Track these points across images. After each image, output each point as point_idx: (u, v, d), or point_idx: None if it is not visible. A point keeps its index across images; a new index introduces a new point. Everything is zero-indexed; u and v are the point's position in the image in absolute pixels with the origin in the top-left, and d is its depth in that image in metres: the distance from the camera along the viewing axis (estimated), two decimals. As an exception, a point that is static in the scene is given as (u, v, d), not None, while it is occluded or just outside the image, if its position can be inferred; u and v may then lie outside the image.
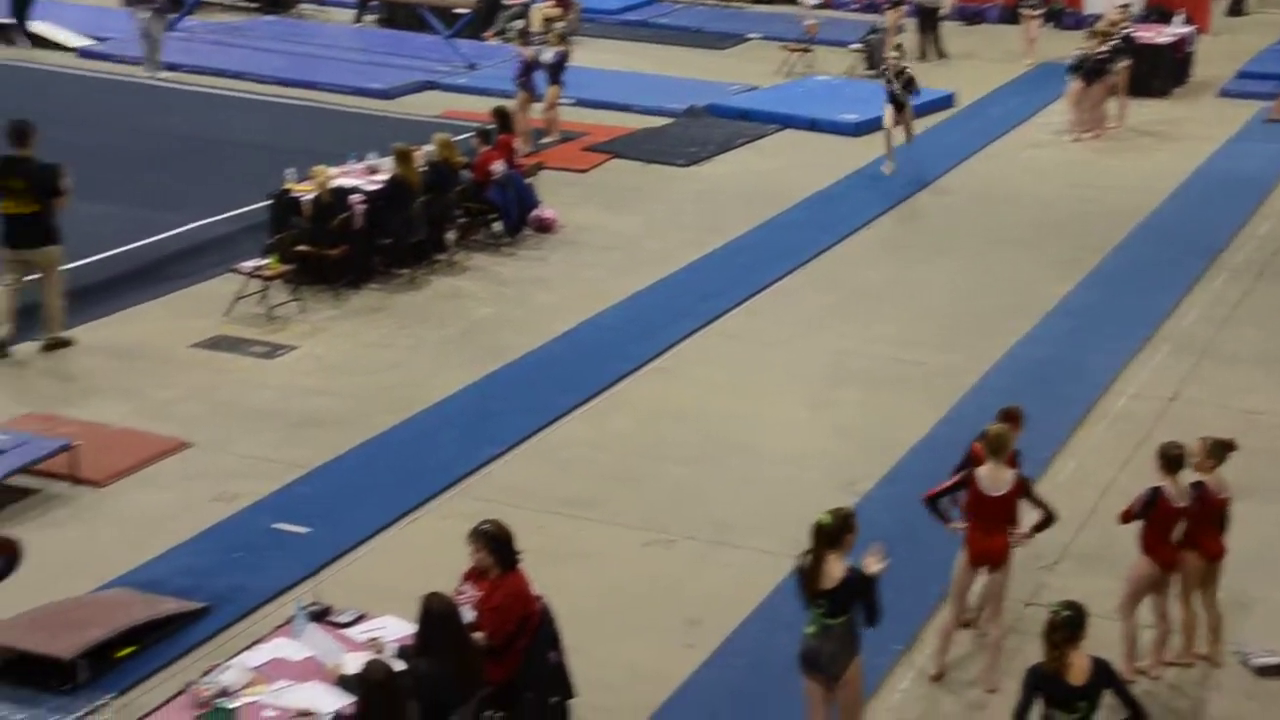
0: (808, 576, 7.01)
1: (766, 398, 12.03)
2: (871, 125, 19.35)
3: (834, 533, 7.00)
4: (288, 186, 14.26)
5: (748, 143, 19.53)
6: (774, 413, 11.77)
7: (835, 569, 6.99)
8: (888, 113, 17.89)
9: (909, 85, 17.90)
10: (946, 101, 21.75)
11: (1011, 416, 8.57)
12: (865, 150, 18.89)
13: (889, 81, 17.96)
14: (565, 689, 7.45)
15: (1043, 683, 6.54)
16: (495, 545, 7.27)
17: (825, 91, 21.95)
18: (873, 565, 7.05)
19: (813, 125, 20.23)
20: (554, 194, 16.24)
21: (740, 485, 10.55)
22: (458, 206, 14.98)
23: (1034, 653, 6.92)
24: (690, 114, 20.75)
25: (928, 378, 12.35)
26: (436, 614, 6.71)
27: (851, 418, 11.72)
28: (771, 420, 11.64)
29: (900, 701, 8.13)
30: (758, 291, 14.33)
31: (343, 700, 6.62)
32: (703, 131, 19.91)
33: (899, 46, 19.12)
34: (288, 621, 7.40)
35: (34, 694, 7.64)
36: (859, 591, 7.00)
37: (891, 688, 8.22)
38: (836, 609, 7.00)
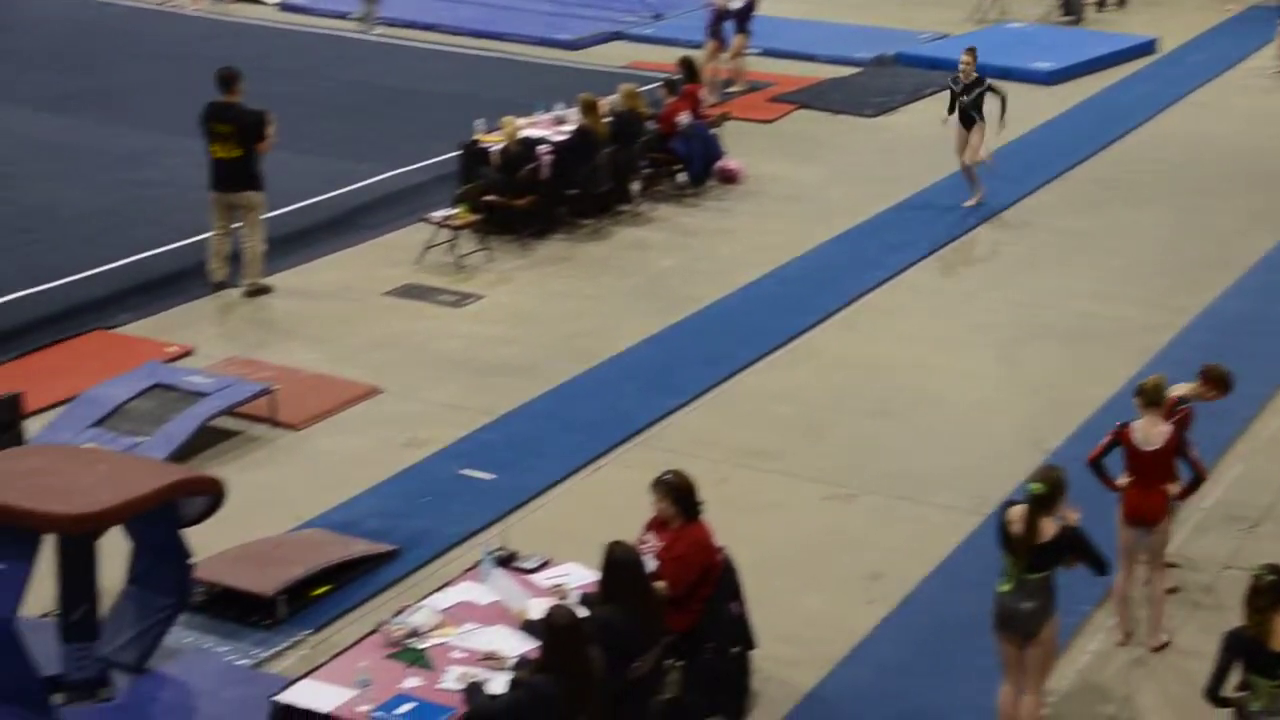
0: (1022, 539, 6.88)
1: (954, 351, 11.84)
2: (1066, 74, 18.82)
3: (1048, 499, 6.88)
4: (477, 137, 14.46)
5: (936, 92, 19.09)
6: (961, 367, 11.58)
7: (1047, 528, 6.88)
8: (957, 134, 14.76)
9: (981, 98, 14.64)
10: (1147, 48, 21.03)
11: (1212, 378, 8.27)
12: (1059, 100, 18.37)
13: (960, 94, 14.70)
14: (746, 640, 7.47)
15: (1243, 647, 6.35)
16: (678, 495, 7.30)
17: (1018, 39, 21.39)
18: (1071, 516, 6.94)
19: (1005, 74, 19.73)
20: (739, 145, 16.15)
21: (925, 440, 10.41)
22: (643, 157, 15.00)
23: (1233, 617, 6.71)
24: (878, 63, 20.43)
25: (1122, 332, 12.02)
26: (620, 562, 6.77)
27: (1041, 373, 11.47)
28: (958, 374, 11.46)
29: (1088, 664, 7.97)
30: (946, 243, 14.09)
31: (527, 644, 6.74)
32: (891, 81, 19.59)
33: (971, 51, 14.89)
34: (475, 566, 7.54)
35: (236, 628, 7.92)
36: (1072, 547, 6.89)
37: (1080, 648, 8.06)
38: (1040, 565, 6.88)
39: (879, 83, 19.51)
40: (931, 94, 19.04)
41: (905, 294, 13.01)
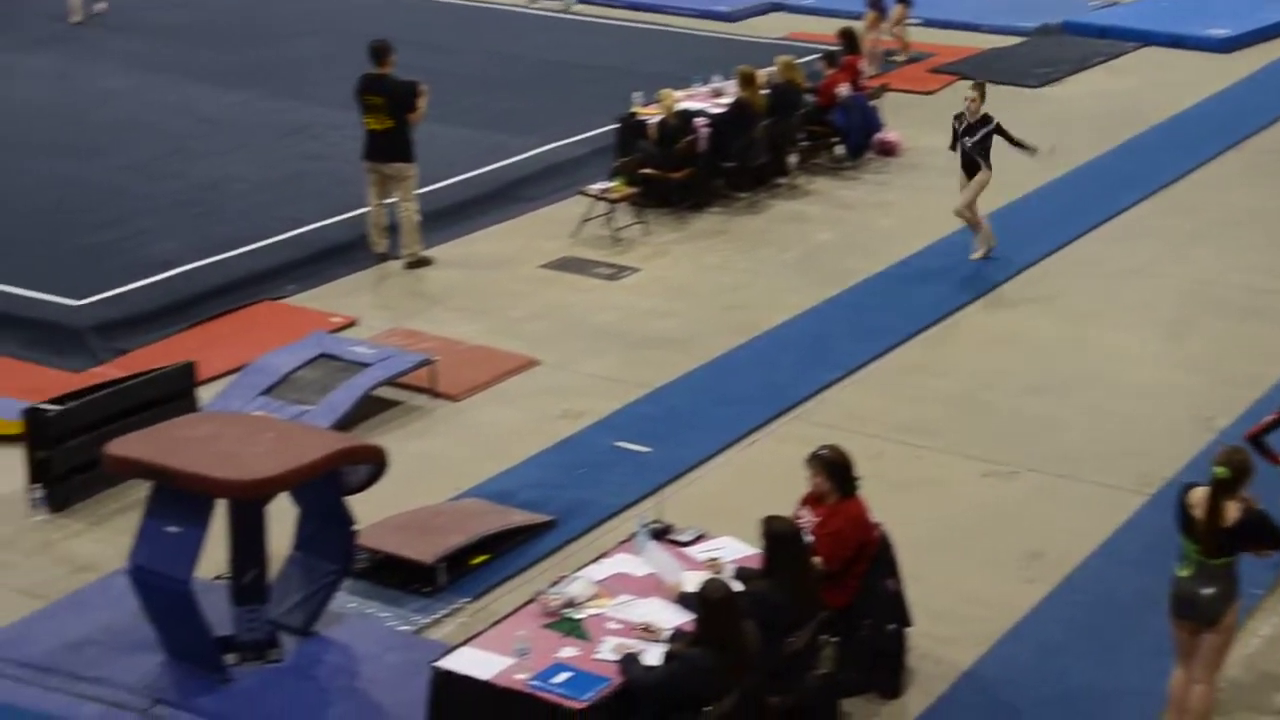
0: (1204, 523, 6.71)
1: (1118, 327, 11.57)
2: (1241, 41, 18.19)
3: (1231, 483, 6.69)
4: (634, 110, 14.49)
5: (1104, 61, 18.69)
6: (1126, 343, 11.32)
7: (1230, 511, 6.69)
8: (961, 180, 12.73)
9: (988, 141, 12.52)
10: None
11: None
12: (1233, 68, 17.78)
13: (962, 135, 12.63)
14: (902, 617, 7.41)
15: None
16: (834, 470, 7.26)
17: (1191, 5, 20.73)
18: (1251, 501, 6.76)
19: (1176, 42, 19.19)
20: (898, 116, 15.95)
21: (1087, 417, 10.20)
22: (800, 130, 14.90)
23: None
24: (1043, 32, 19.99)
25: (1296, 310, 11.64)
26: (780, 536, 6.76)
27: (1210, 350, 11.15)
28: (1123, 351, 11.19)
29: (1257, 649, 7.75)
30: (1110, 217, 13.75)
31: (682, 617, 6.77)
32: (1056, 50, 19.16)
33: (979, 86, 12.72)
34: (630, 538, 7.59)
35: (398, 594, 8.08)
36: (1258, 531, 6.69)
37: (1251, 632, 7.84)
38: (1223, 549, 6.70)
39: (1044, 52, 19.09)
40: (1099, 63, 18.62)
41: (1068, 268, 12.74)
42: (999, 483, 9.41)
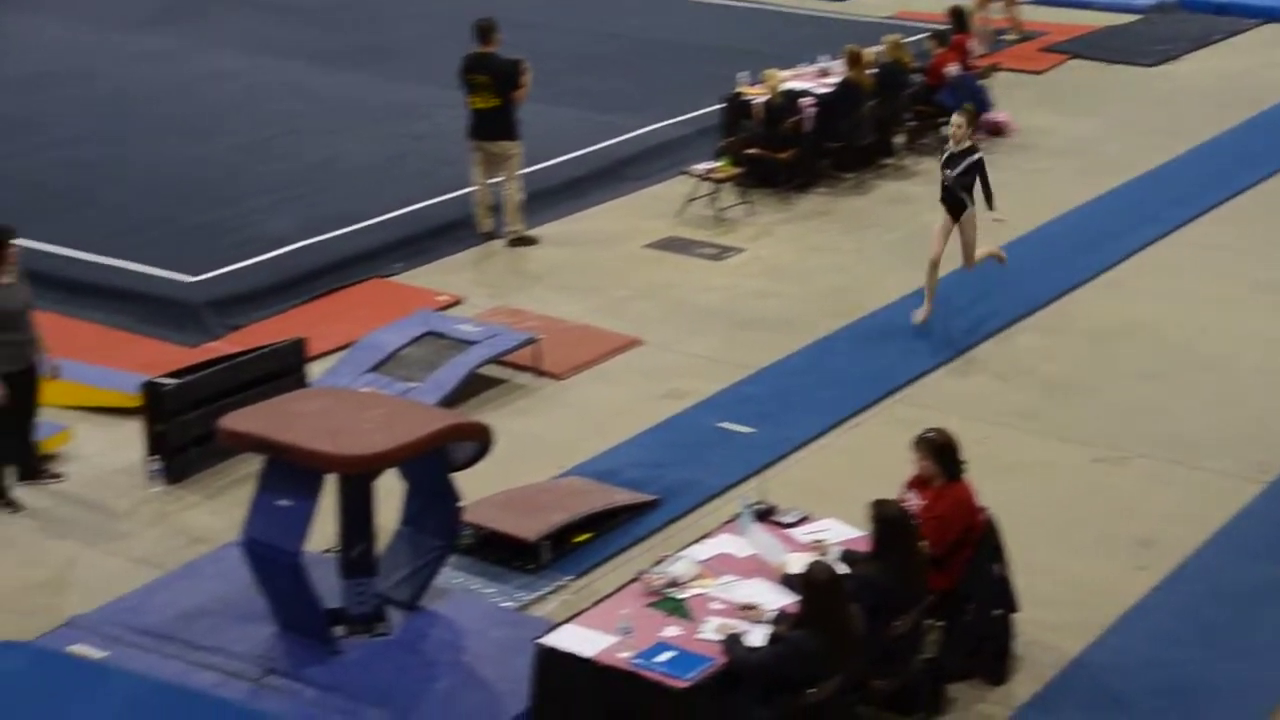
0: None
1: (1233, 311, 11.33)
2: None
3: None
4: (740, 90, 14.43)
5: (1223, 39, 18.27)
6: (1241, 327, 11.08)
7: None
8: (941, 222, 11.05)
9: (972, 174, 10.79)
10: None
11: None
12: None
13: (944, 166, 10.97)
14: (1008, 602, 7.33)
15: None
16: (940, 453, 7.20)
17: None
18: None
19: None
20: (1008, 96, 15.73)
21: (1203, 402, 10.00)
22: (908, 110, 14.75)
23: None
24: (1160, 9, 19.59)
25: None
26: (890, 520, 6.72)
27: (1331, 336, 10.89)
28: (1238, 335, 10.96)
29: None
30: (1228, 198, 13.46)
31: (785, 599, 6.76)
32: (1173, 28, 18.76)
33: (966, 112, 11.03)
34: (733, 519, 7.58)
35: (502, 571, 8.15)
36: None
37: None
38: None
39: (1160, 30, 18.72)
40: (1218, 41, 18.20)
41: (1182, 251, 12.49)
42: (1109, 468, 9.27)
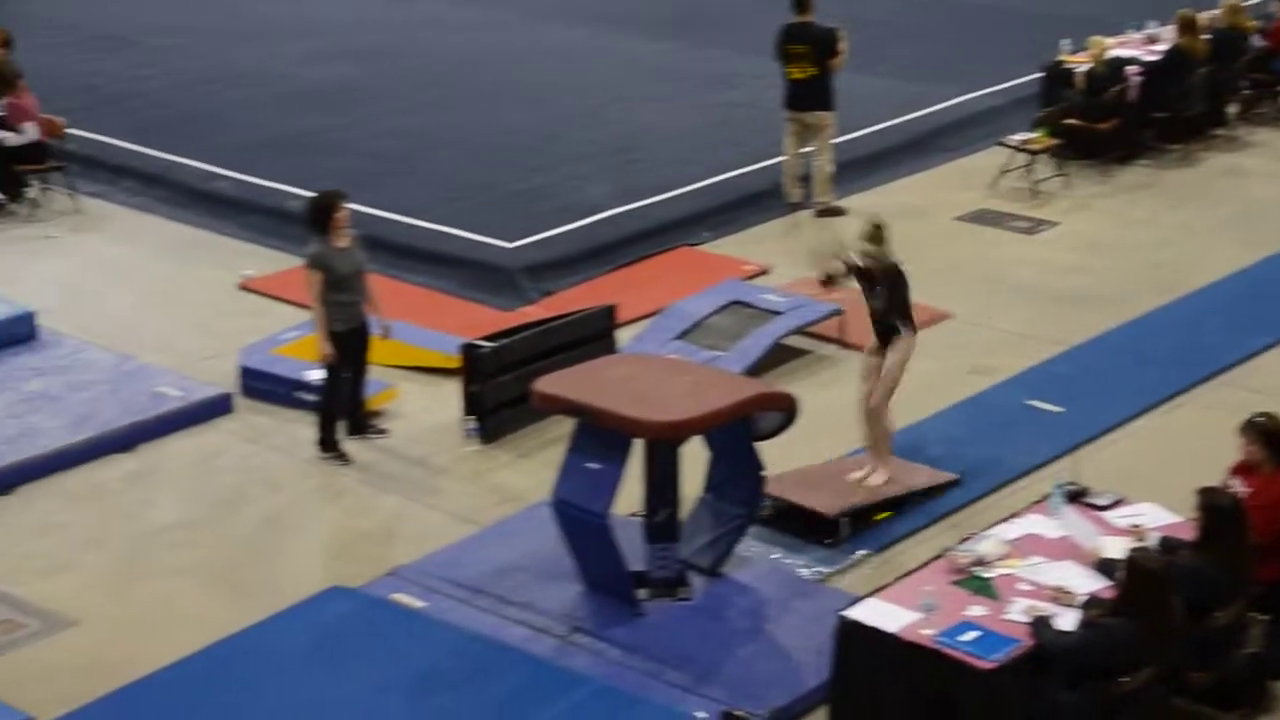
0: None
1: None
2: None
3: None
4: (1061, 58, 14.01)
5: None
6: None
7: None
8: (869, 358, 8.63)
9: (898, 293, 8.43)
10: None
11: None
12: None
13: (865, 290, 8.59)
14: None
15: None
16: (1271, 439, 6.88)
17: None
18: None
19: None
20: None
21: None
22: (1243, 77, 14.04)
23: None
24: None
25: None
26: (1221, 509, 6.46)
27: None
28: None
29: None
30: None
31: (1098, 583, 6.57)
32: None
33: (875, 229, 8.52)
34: (1043, 499, 7.41)
35: (800, 543, 8.17)
36: None
37: None
38: None
39: None
40: None
41: None
42: None
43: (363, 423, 9.29)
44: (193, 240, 12.40)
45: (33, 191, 12.83)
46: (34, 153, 12.69)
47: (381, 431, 9.33)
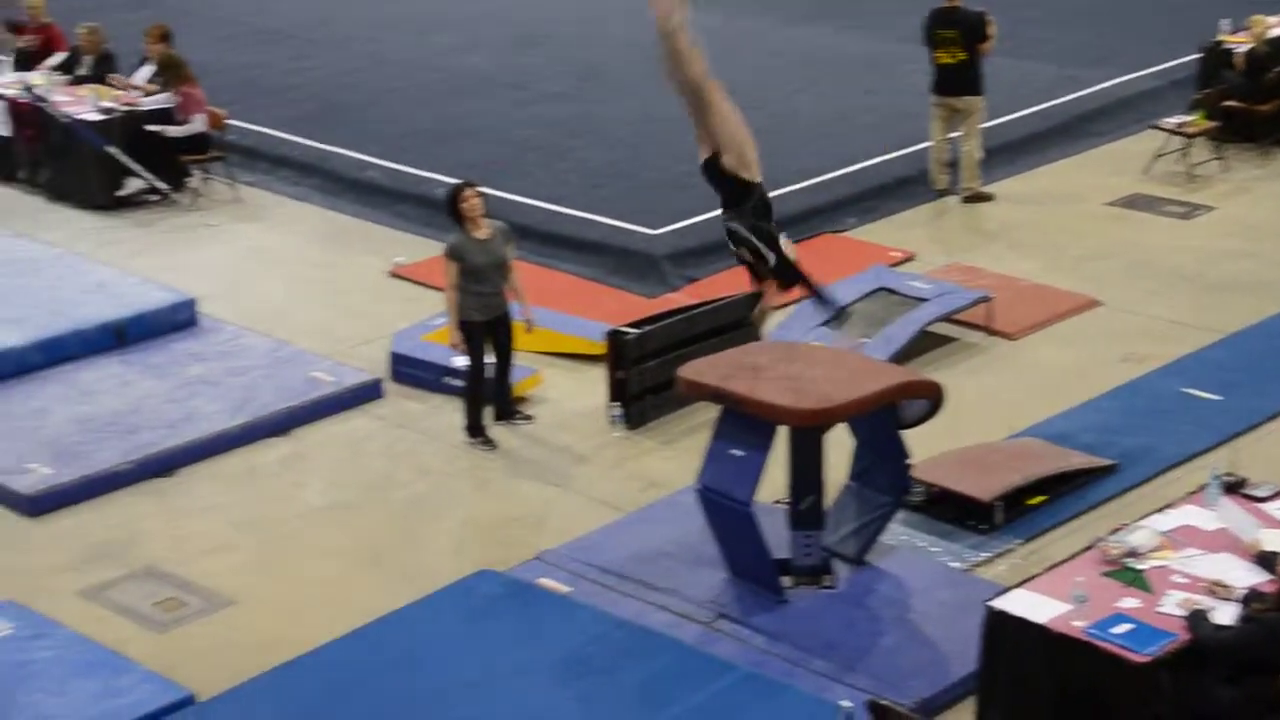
0: None
1: None
2: None
3: None
4: (1220, 38, 13.64)
5: None
6: None
7: None
8: None
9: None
10: None
11: None
12: None
13: None
14: None
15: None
16: None
17: None
18: None
19: None
20: None
21: None
22: None
23: None
24: None
25: None
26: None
27: None
28: None
29: None
30: None
31: (1259, 577, 6.40)
32: None
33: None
34: (1199, 490, 7.23)
35: (950, 530, 8.08)
36: None
37: None
38: None
39: None
40: None
41: None
42: None
43: (509, 409, 9.41)
44: (346, 228, 12.66)
45: (194, 181, 13.20)
46: (197, 143, 13.06)
47: (527, 418, 9.44)
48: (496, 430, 9.31)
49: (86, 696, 6.78)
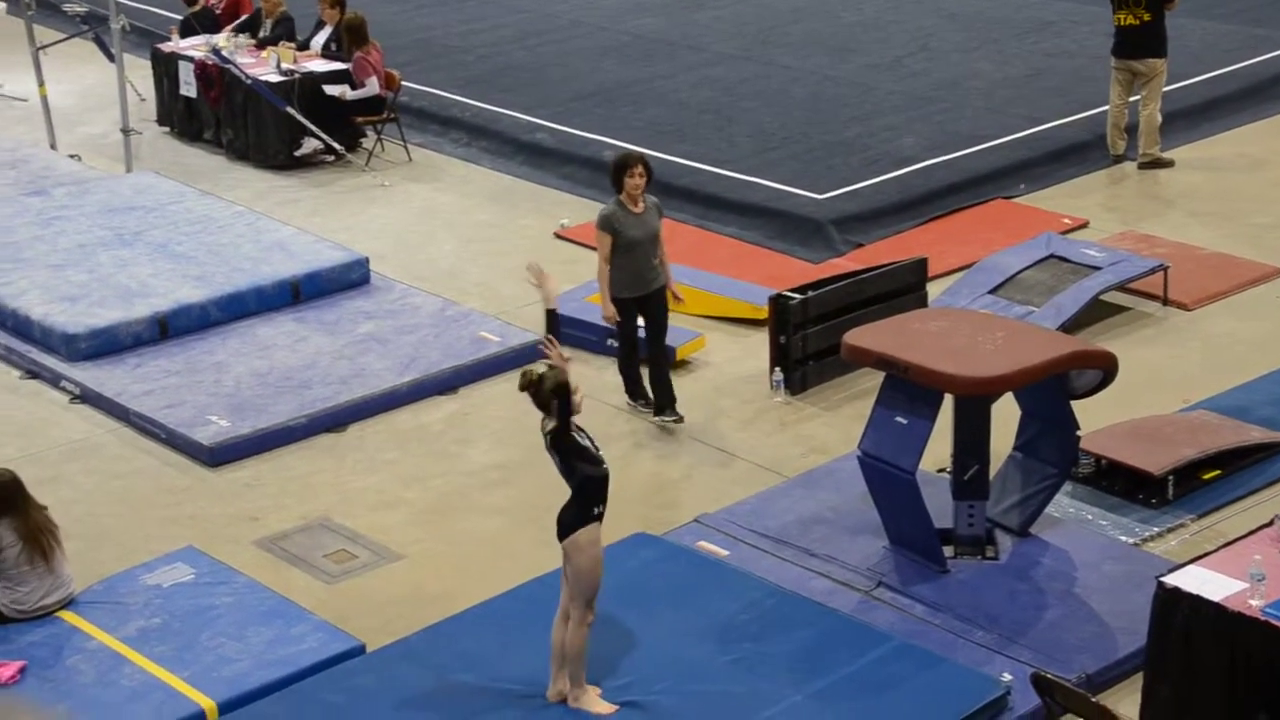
0: None
1: None
2: None
3: None
4: None
5: None
6: None
7: None
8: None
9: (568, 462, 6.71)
10: None
11: None
12: None
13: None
14: None
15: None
16: None
17: None
18: None
19: None
20: None
21: None
22: None
23: None
24: None
25: None
26: None
27: None
28: None
29: None
30: None
31: None
32: None
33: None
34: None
35: (1118, 503, 7.90)
36: None
37: None
38: None
39: None
40: None
41: None
42: None
43: (665, 401, 8.99)
44: (513, 190, 12.80)
45: (368, 142, 13.46)
46: (372, 105, 13.31)
47: (679, 418, 8.97)
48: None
49: (263, 642, 7.01)
